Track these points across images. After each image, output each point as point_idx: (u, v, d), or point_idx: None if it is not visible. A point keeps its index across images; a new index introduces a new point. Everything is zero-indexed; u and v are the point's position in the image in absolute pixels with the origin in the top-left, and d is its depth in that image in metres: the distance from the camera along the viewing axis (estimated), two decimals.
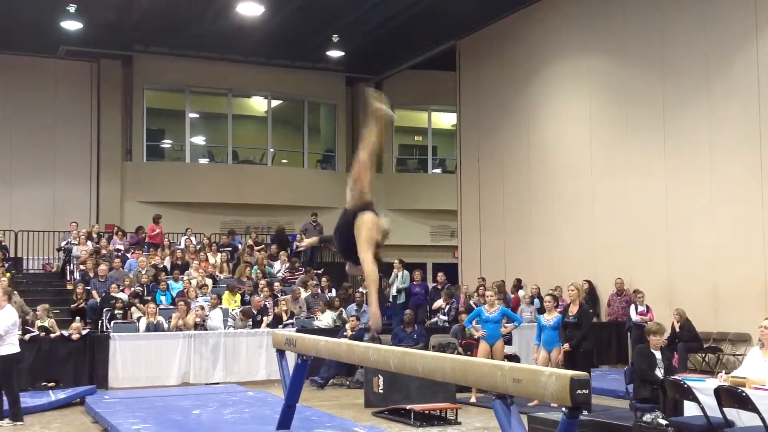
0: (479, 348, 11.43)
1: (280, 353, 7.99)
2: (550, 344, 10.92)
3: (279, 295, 16.12)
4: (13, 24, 19.70)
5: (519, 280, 18.21)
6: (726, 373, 7.96)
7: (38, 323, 13.13)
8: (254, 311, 15.00)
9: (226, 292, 15.85)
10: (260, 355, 14.09)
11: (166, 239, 19.55)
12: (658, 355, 8.54)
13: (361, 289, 17.17)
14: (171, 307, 15.11)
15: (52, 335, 12.95)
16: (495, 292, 12.49)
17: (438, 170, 26.77)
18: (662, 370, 8.38)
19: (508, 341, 13.59)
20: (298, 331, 13.24)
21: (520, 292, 17.48)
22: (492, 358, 10.83)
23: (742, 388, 7.00)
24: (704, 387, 7.44)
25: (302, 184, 24.07)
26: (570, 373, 4.24)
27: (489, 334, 11.32)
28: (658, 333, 8.70)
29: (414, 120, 27.25)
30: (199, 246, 19.29)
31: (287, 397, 7.72)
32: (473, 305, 14.89)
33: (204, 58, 23.10)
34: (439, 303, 16.28)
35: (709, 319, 14.32)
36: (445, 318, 15.76)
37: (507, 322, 11.87)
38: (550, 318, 11.04)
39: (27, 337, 12.31)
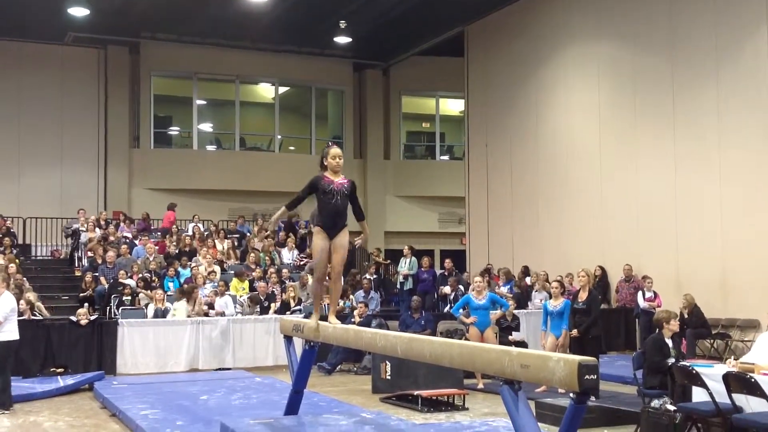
0: (470, 334, 11.43)
1: (288, 339, 7.98)
2: (557, 329, 10.91)
3: (287, 282, 16.13)
4: (21, 11, 19.68)
5: (526, 267, 18.16)
6: (735, 359, 7.93)
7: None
8: (261, 297, 15.01)
9: (234, 279, 15.87)
10: (268, 341, 14.11)
11: (174, 226, 19.56)
12: (670, 343, 8.50)
13: (367, 276, 17.20)
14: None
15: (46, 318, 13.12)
16: (483, 278, 12.45)
17: (446, 157, 26.71)
18: (674, 359, 8.33)
19: (516, 327, 13.59)
20: (305, 317, 13.22)
21: (528, 279, 17.44)
22: None
23: (751, 374, 6.98)
24: (713, 373, 7.41)
25: (310, 170, 23.41)
26: (578, 358, 4.22)
27: (479, 320, 11.33)
28: (673, 319, 8.67)
29: (422, 106, 27.22)
30: (206, 233, 19.29)
31: (295, 383, 7.71)
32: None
33: (211, 45, 23.08)
34: (447, 289, 16.27)
35: (718, 305, 14.29)
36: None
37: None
38: (557, 304, 11.04)
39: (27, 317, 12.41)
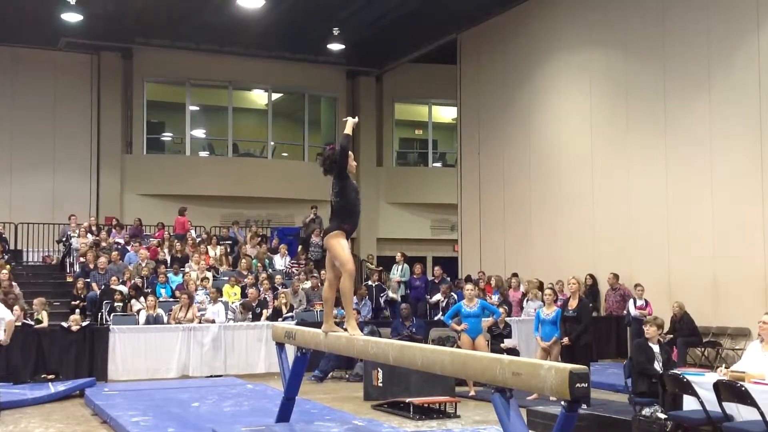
0: (462, 341, 11.45)
1: (280, 346, 7.99)
2: (548, 338, 10.94)
3: (279, 288, 16.12)
4: (14, 16, 19.66)
5: (515, 275, 18.12)
6: (725, 368, 7.96)
7: (35, 316, 13.16)
8: (253, 304, 14.98)
9: (226, 285, 15.84)
10: (260, 348, 14.09)
11: (165, 232, 19.51)
12: (656, 348, 8.55)
13: (369, 282, 17.22)
14: (171, 299, 15.12)
15: (45, 326, 13.03)
16: (473, 287, 12.50)
17: (438, 164, 26.75)
18: (660, 364, 8.39)
19: (508, 335, 13.60)
20: (297, 324, 13.23)
21: (522, 287, 17.40)
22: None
23: (742, 383, 7.00)
24: (703, 381, 7.44)
25: (302, 177, 23.94)
26: (569, 366, 4.24)
27: (470, 328, 11.36)
28: (650, 324, 8.75)
29: (414, 113, 27.25)
30: (199, 239, 19.26)
31: (286, 390, 7.71)
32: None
33: (204, 51, 23.06)
34: (438, 297, 16.26)
35: (709, 314, 14.32)
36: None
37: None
38: (550, 312, 11.06)
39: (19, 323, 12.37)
